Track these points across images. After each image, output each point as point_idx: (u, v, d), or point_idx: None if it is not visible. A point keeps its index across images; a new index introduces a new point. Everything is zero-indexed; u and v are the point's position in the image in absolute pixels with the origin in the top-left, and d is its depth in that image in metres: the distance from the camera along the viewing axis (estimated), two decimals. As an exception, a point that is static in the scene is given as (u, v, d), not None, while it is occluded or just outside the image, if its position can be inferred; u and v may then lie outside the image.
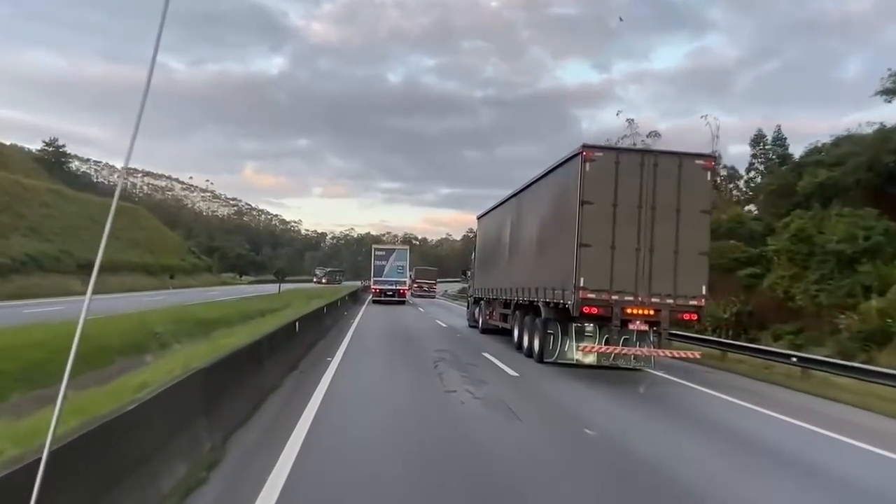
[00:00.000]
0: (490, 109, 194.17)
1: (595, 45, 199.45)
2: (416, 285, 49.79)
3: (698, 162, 10.93)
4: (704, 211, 10.98)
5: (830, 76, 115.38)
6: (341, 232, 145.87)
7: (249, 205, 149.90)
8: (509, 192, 16.45)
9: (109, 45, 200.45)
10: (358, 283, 56.79)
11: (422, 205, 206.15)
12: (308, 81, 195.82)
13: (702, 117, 55.72)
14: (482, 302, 19.64)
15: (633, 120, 37.03)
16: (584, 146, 10.89)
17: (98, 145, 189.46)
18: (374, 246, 43.18)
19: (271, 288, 45.13)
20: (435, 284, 54.29)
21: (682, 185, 10.77)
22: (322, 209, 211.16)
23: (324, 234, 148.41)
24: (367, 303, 35.11)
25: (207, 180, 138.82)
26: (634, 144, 30.83)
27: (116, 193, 2.37)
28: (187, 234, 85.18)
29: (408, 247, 44.33)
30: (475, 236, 24.71)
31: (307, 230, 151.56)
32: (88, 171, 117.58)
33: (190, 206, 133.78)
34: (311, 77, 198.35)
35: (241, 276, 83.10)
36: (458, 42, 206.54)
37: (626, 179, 10.76)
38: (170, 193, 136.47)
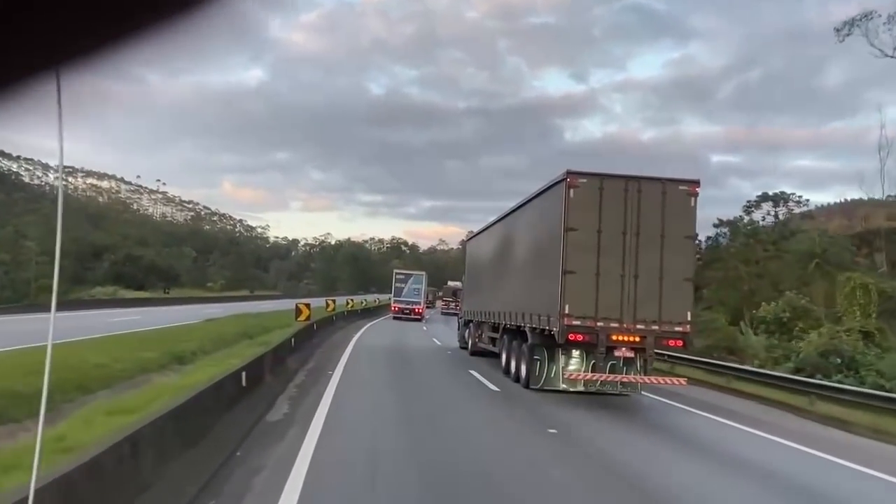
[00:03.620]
0: (473, 120, 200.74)
1: (574, 54, 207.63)
2: (442, 303, 58.91)
3: (682, 188, 11.85)
4: (688, 236, 11.98)
5: (811, 85, 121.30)
6: (316, 238, 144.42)
7: (209, 209, 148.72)
8: (494, 216, 17.70)
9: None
10: (341, 302, 44.94)
11: (404, 217, 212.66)
12: (288, 93, 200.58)
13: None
14: (472, 324, 20.72)
15: None
16: (569, 172, 11.75)
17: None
18: (395, 270, 51.60)
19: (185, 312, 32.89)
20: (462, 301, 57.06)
21: (666, 210, 11.68)
22: (302, 223, 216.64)
23: (295, 241, 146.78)
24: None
25: (159, 180, 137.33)
26: None
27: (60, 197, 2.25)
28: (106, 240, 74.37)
29: (424, 272, 51.26)
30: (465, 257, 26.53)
31: (276, 237, 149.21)
32: (20, 170, 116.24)
33: (139, 210, 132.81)
34: (291, 88, 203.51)
35: (166, 291, 69.28)
36: (439, 52, 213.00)
37: (611, 205, 11.65)
38: (116, 195, 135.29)
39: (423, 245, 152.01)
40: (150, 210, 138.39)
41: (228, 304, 47.10)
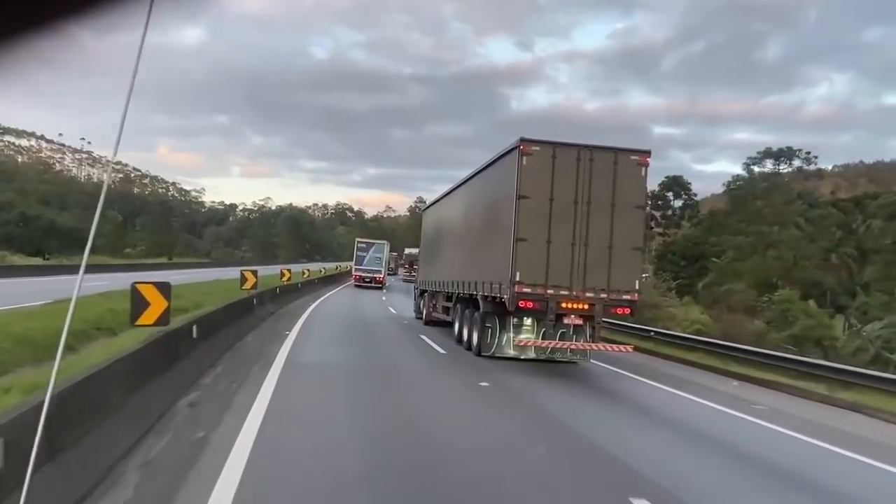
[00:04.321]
0: (419, 87, 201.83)
1: (519, 21, 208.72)
2: (404, 270, 59.91)
3: (633, 158, 12.10)
4: (639, 206, 12.28)
5: (752, 58, 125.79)
6: (255, 203, 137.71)
7: (140, 171, 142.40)
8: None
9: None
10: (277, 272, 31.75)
11: (348, 185, 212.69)
12: (227, 54, 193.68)
13: None
14: (427, 294, 20.84)
15: None
16: (522, 140, 11.84)
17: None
18: (357, 239, 52.08)
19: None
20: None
21: (618, 180, 11.92)
22: (242, 189, 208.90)
23: (233, 206, 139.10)
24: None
25: (83, 138, 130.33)
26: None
27: None
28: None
29: (386, 242, 52.54)
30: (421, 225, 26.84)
31: (213, 202, 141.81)
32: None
33: (62, 171, 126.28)
34: (231, 49, 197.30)
35: (46, 258, 56.30)
36: (383, 16, 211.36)
37: (563, 174, 11.81)
38: (36, 155, 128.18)
39: (370, 213, 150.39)
40: (75, 172, 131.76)
41: (136, 273, 31.60)
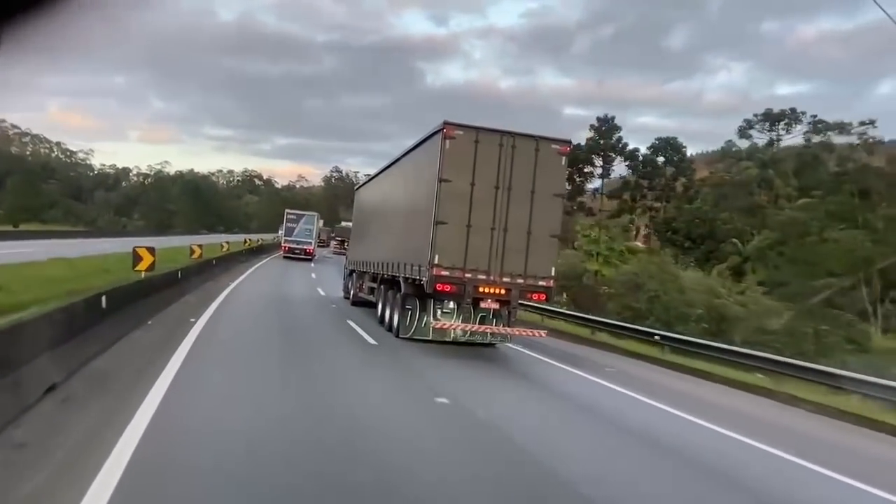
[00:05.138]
0: (333, 56, 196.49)
1: None
2: (335, 244, 60.11)
3: (554, 146, 12.44)
4: (558, 194, 12.72)
5: (659, 44, 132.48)
6: (151, 167, 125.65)
7: (19, 128, 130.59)
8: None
9: None
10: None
11: (257, 154, 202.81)
12: (125, 8, 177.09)
13: None
14: (355, 274, 20.77)
15: None
16: (446, 123, 11.92)
17: None
18: (286, 210, 51.95)
19: None
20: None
21: (538, 167, 12.25)
22: (141, 155, 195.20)
23: (126, 171, 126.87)
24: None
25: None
26: None
27: None
28: None
29: (316, 213, 52.82)
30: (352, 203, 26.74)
31: (103, 165, 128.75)
32: None
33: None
34: (129, 3, 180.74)
35: None
36: None
37: (485, 159, 12.01)
38: None
39: (281, 182, 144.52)
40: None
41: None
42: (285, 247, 48.38)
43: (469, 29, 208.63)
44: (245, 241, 49.91)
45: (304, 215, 50.11)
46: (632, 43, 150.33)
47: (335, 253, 56.16)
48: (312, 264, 43.50)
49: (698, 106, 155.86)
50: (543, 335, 13.86)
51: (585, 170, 63.57)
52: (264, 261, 43.13)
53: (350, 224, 49.95)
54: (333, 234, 65.25)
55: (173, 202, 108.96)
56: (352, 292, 21.13)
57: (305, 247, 47.98)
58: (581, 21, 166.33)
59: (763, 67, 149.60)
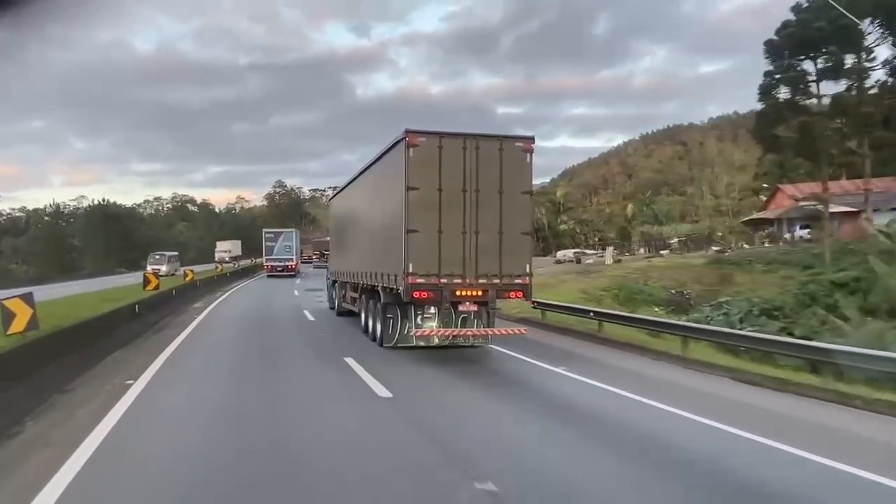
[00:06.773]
0: (258, 77, 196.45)
1: (353, 5, 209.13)
2: (315, 258, 60.78)
3: (518, 144, 12.67)
4: (525, 192, 12.86)
5: (583, 34, 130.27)
6: (66, 205, 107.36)
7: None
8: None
9: None
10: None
11: (190, 186, 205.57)
12: (33, 49, 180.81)
13: None
14: (337, 284, 21.37)
15: None
16: (408, 131, 12.26)
17: None
18: (263, 230, 53.58)
19: None
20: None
21: (504, 167, 12.48)
22: (68, 199, 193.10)
23: (37, 212, 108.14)
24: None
25: None
26: None
27: None
28: None
29: (295, 229, 54.91)
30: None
31: (12, 209, 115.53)
32: None
33: None
34: (39, 44, 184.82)
35: None
36: (205, 2, 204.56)
37: (450, 163, 12.29)
38: None
39: (219, 206, 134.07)
40: None
41: None
42: (268, 265, 50.47)
43: (393, 37, 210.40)
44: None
45: (281, 233, 52.24)
46: (557, 36, 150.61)
47: (315, 267, 55.98)
48: (298, 280, 43.96)
49: (629, 90, 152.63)
50: (524, 332, 14.07)
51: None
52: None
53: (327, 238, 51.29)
54: (310, 247, 66.55)
55: (78, 237, 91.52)
56: (336, 302, 21.69)
57: (287, 263, 50.08)
58: (504, 19, 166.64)
59: (684, 49, 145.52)
